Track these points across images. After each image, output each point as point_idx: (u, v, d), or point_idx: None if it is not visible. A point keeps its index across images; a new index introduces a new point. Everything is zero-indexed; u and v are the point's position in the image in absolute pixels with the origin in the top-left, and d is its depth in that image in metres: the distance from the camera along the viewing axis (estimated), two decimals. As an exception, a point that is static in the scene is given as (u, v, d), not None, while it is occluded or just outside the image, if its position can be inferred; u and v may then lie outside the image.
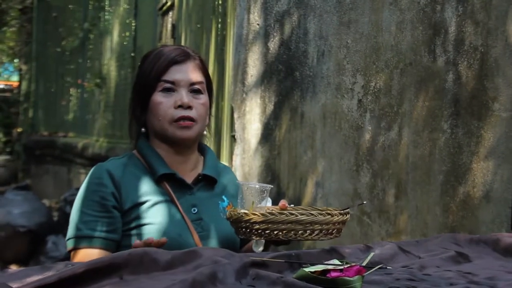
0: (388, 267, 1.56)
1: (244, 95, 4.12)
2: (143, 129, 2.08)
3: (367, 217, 3.11)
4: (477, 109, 2.60)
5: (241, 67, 4.16)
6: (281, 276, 1.39)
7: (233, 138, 4.47)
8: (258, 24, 4.03)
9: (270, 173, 3.90)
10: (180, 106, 1.99)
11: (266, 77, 3.95)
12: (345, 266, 1.40)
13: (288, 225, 1.69)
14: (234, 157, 4.29)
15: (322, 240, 1.74)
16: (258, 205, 1.81)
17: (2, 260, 6.95)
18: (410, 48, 2.91)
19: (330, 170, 3.38)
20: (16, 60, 17.17)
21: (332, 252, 1.69)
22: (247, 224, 1.72)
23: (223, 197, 2.07)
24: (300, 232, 1.69)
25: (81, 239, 1.94)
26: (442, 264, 1.68)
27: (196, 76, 2.04)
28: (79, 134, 10.09)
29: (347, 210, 1.78)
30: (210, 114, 2.10)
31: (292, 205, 1.91)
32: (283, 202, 1.86)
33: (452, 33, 2.71)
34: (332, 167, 3.37)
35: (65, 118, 11.20)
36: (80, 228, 1.95)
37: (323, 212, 1.76)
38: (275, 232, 1.69)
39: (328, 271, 1.39)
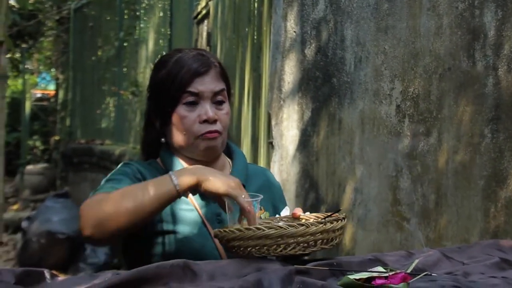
0: (433, 274, 1.56)
1: (281, 102, 4.13)
2: (162, 140, 2.03)
3: (406, 223, 3.10)
4: (518, 113, 2.58)
5: (278, 74, 4.17)
6: (326, 284, 1.40)
7: (270, 145, 4.48)
8: (294, 31, 4.03)
9: (308, 180, 3.90)
10: (206, 121, 1.94)
11: (303, 84, 3.95)
12: (390, 274, 1.40)
13: (258, 240, 1.58)
14: (271, 164, 4.30)
15: (302, 254, 1.62)
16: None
17: (42, 266, 7.03)
18: (448, 53, 2.90)
19: (369, 176, 3.38)
20: (53, 70, 17.39)
21: (375, 260, 1.69)
22: (224, 241, 1.66)
23: (253, 202, 2.01)
24: (273, 247, 1.58)
25: (104, 188, 1.88)
26: (487, 270, 1.67)
27: (218, 85, 1.98)
28: (116, 142, 10.18)
29: (330, 218, 1.66)
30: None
31: (307, 213, 1.85)
32: (295, 211, 1.81)
33: (491, 37, 2.70)
34: (371, 173, 3.37)
35: (102, 126, 11.31)
36: (105, 185, 1.89)
37: (296, 223, 1.62)
38: (248, 249, 1.60)
39: (373, 278, 1.39)
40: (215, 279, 1.47)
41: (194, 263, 1.49)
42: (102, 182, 1.93)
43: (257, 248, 1.59)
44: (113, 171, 1.98)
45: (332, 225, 1.62)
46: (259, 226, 1.61)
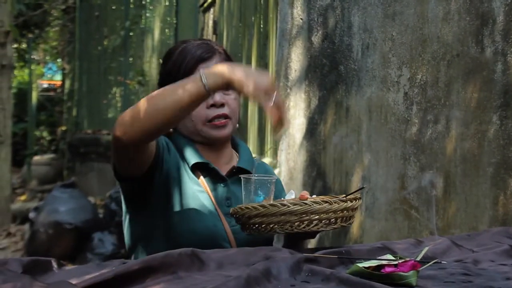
0: (442, 262, 1.55)
1: (288, 90, 4.11)
2: (170, 129, 2.05)
3: (414, 211, 3.09)
4: (528, 100, 2.56)
5: (284, 62, 4.15)
6: (335, 272, 1.39)
7: (277, 133, 4.46)
8: (301, 19, 4.01)
9: (315, 168, 3.89)
10: (213, 105, 1.97)
11: (310, 72, 3.94)
12: (400, 261, 1.39)
13: (282, 217, 1.60)
14: (278, 152, 4.29)
15: (323, 230, 1.65)
16: (262, 197, 1.75)
17: (50, 256, 7.03)
18: (457, 39, 2.88)
19: (377, 164, 3.36)
20: (59, 60, 17.41)
21: (384, 248, 1.68)
22: (244, 219, 1.66)
23: (259, 191, 2.03)
24: (296, 223, 1.60)
25: None
26: (497, 258, 1.66)
27: None
28: (123, 132, 10.16)
29: (350, 196, 1.69)
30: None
31: (314, 196, 1.86)
32: (302, 193, 1.82)
33: (500, 23, 2.67)
34: (378, 161, 3.35)
35: (109, 116, 11.32)
36: None
37: (323, 200, 1.66)
38: (271, 226, 1.62)
39: (382, 266, 1.38)
40: (223, 268, 1.46)
41: (202, 251, 1.49)
42: None
43: (280, 224, 1.61)
44: None
45: (352, 203, 1.66)
46: (284, 202, 1.63)
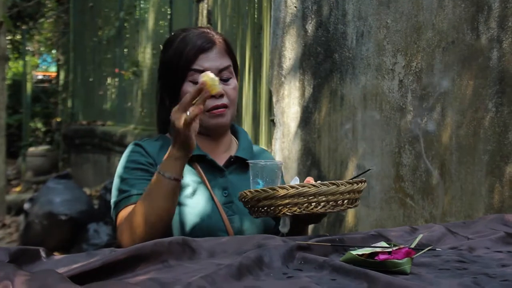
0: (437, 249, 1.53)
1: (282, 79, 4.09)
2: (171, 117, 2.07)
3: (410, 199, 3.07)
4: (523, 86, 2.54)
5: (278, 50, 4.13)
6: (328, 260, 1.37)
7: (272, 122, 4.44)
8: (295, 7, 3.98)
9: (310, 157, 3.87)
10: (213, 96, 1.96)
11: (304, 60, 3.91)
12: (394, 249, 1.37)
13: (291, 199, 1.63)
14: (273, 141, 4.26)
15: (331, 212, 1.68)
16: (271, 182, 1.78)
17: (45, 247, 6.99)
18: (452, 26, 2.85)
19: (372, 152, 3.34)
20: (53, 51, 17.36)
21: (378, 236, 1.66)
22: (253, 202, 1.69)
23: (258, 180, 2.03)
24: (304, 205, 1.64)
25: (123, 200, 1.92)
26: (492, 245, 1.65)
27: (224, 61, 2.02)
28: (118, 123, 10.15)
29: (358, 179, 1.71)
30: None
31: (318, 182, 1.87)
32: (308, 179, 1.83)
33: (495, 9, 2.65)
34: (373, 150, 3.33)
35: (103, 107, 11.27)
36: (122, 190, 1.93)
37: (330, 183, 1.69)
38: (280, 208, 1.65)
39: (376, 253, 1.36)
40: (215, 256, 1.44)
41: (193, 240, 1.46)
42: (116, 181, 1.95)
43: (289, 206, 1.64)
44: (124, 162, 1.99)
45: (358, 185, 1.68)
46: (292, 185, 1.66)
